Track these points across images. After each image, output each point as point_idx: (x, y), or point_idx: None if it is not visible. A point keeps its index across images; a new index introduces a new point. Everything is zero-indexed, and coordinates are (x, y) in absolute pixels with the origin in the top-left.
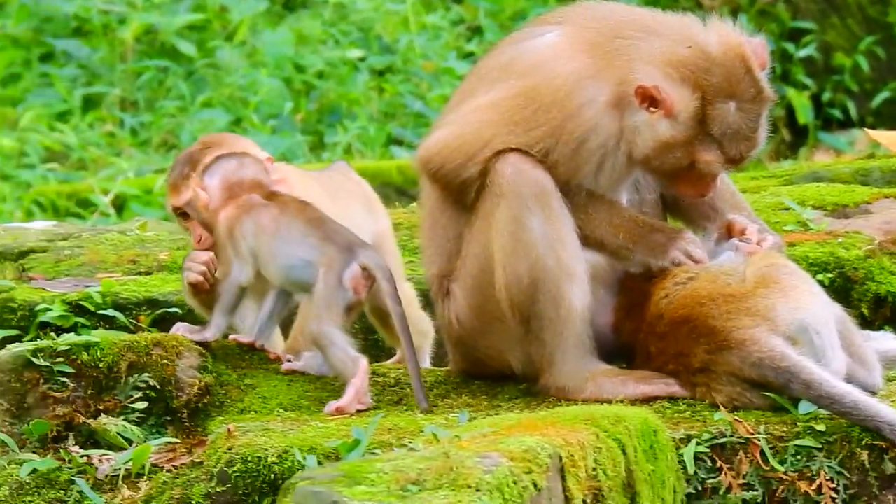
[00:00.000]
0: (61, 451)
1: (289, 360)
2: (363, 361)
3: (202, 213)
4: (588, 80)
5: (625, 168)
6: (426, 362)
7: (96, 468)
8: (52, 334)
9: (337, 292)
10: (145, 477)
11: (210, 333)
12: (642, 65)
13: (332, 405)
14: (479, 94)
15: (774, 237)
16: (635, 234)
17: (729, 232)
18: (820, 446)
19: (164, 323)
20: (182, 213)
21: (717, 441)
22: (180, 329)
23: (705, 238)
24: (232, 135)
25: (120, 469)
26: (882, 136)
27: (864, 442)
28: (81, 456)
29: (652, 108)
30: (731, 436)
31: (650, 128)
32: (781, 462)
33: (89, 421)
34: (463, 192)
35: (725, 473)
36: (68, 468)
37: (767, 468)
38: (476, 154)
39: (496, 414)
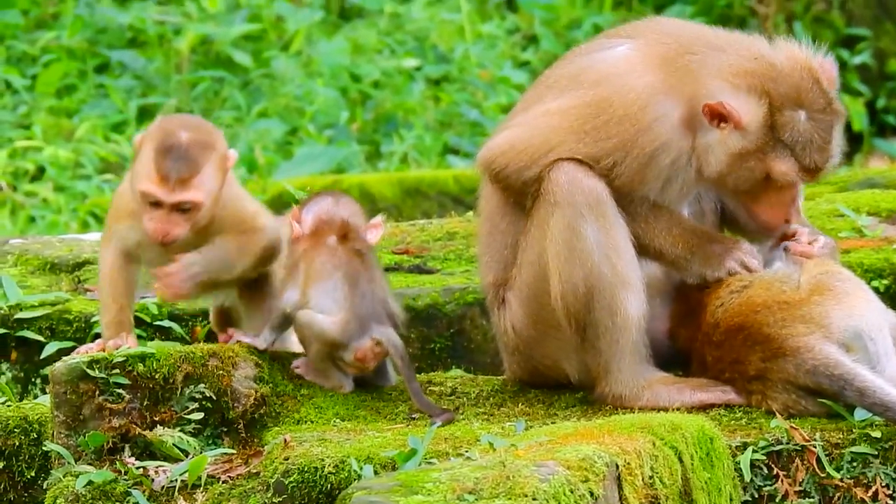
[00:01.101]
0: (117, 462)
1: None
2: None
3: (290, 244)
4: (661, 95)
5: (693, 185)
6: None
7: (152, 480)
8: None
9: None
10: (201, 488)
11: (260, 342)
12: (709, 80)
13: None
14: (547, 101)
15: (826, 238)
16: (693, 244)
17: (782, 238)
18: (876, 453)
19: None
20: (181, 209)
21: (773, 448)
22: (235, 334)
23: (761, 248)
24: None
25: (176, 480)
26: None
27: None
28: (137, 467)
29: (722, 125)
30: (787, 443)
31: (722, 144)
32: (837, 469)
33: (145, 432)
34: (524, 194)
35: (782, 481)
36: (124, 480)
37: (824, 475)
38: (541, 158)
39: (552, 422)
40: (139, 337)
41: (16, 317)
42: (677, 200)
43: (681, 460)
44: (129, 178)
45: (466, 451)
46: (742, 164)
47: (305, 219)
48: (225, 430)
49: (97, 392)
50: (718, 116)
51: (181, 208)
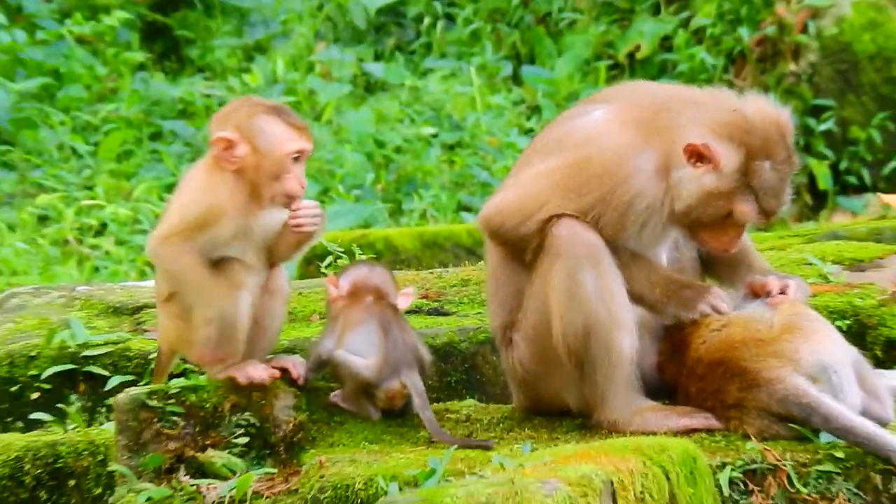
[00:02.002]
0: (173, 481)
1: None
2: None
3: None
4: (635, 150)
5: (665, 226)
6: None
7: (204, 496)
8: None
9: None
10: (248, 503)
11: (301, 379)
12: (690, 127)
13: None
14: (536, 164)
15: (795, 280)
16: (669, 289)
17: (753, 292)
18: (839, 471)
19: None
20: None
21: (748, 467)
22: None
23: (734, 293)
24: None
25: (225, 496)
26: (893, 199)
27: (877, 467)
28: (191, 485)
29: (698, 164)
30: (761, 462)
31: (695, 181)
32: (805, 485)
33: (198, 454)
34: (521, 248)
35: (756, 495)
36: (180, 496)
37: (793, 491)
38: (533, 214)
39: (555, 445)
40: (191, 371)
41: (83, 354)
42: (654, 243)
43: (668, 478)
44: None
45: (480, 471)
46: (711, 201)
47: (343, 284)
48: (267, 452)
49: (155, 419)
50: (697, 156)
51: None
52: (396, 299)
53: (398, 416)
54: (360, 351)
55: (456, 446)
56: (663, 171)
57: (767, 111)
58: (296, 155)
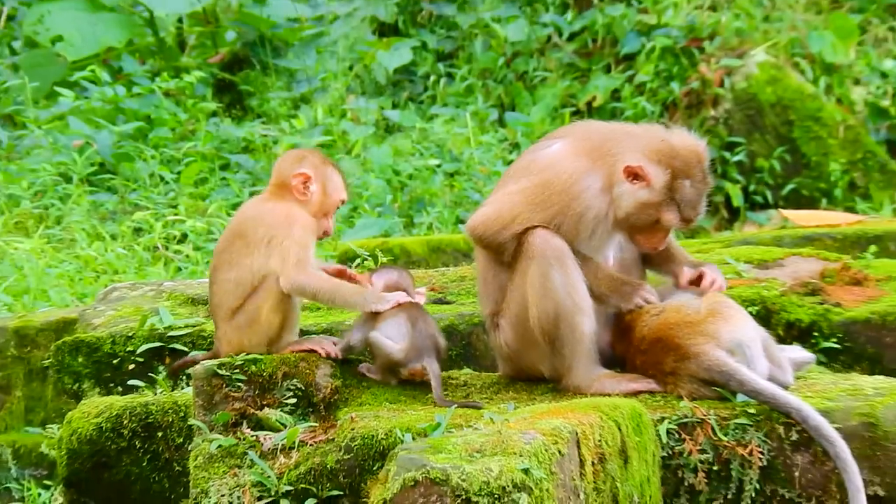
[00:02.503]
0: (238, 432)
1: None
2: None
3: None
4: (585, 173)
5: (611, 231)
6: None
7: (262, 444)
8: (234, 345)
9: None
10: (295, 449)
11: (333, 353)
12: (629, 153)
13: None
14: (509, 185)
15: (710, 267)
16: (612, 285)
17: (689, 283)
18: (751, 423)
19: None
20: None
21: (682, 421)
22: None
23: (665, 285)
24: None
25: (278, 444)
26: (789, 214)
27: (780, 420)
28: (252, 436)
29: (634, 181)
30: (692, 417)
31: (632, 195)
32: (725, 434)
33: (257, 412)
34: (500, 252)
35: (688, 443)
36: (243, 444)
37: (716, 439)
38: (508, 225)
39: (533, 404)
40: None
41: (168, 334)
42: (602, 245)
43: (619, 429)
44: (319, 201)
45: (474, 424)
46: (644, 211)
47: (377, 283)
48: (311, 410)
49: (224, 385)
50: (634, 175)
51: None
52: (415, 297)
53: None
54: (392, 336)
55: (455, 406)
56: (608, 188)
57: (688, 141)
58: (341, 203)
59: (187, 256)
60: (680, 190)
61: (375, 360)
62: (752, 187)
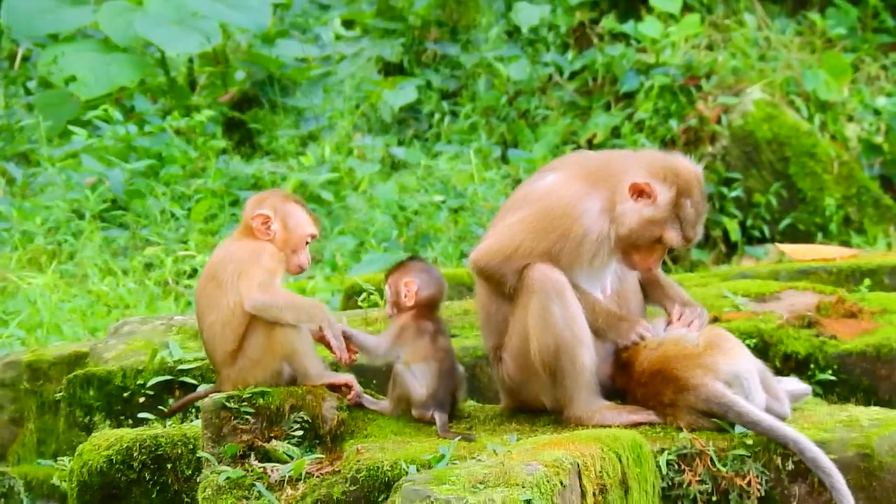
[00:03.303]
0: (246, 464)
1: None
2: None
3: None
4: (584, 196)
5: (611, 254)
6: None
7: (269, 476)
8: (239, 386)
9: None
10: (302, 481)
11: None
12: (633, 171)
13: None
14: (508, 217)
15: (699, 312)
16: (608, 321)
17: (674, 320)
18: (749, 454)
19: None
20: None
21: (681, 452)
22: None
23: (660, 320)
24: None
25: (285, 476)
26: (786, 248)
27: (777, 451)
28: (259, 467)
29: (639, 198)
30: (691, 448)
31: (636, 212)
32: (724, 465)
33: (264, 444)
34: (501, 284)
35: (687, 473)
36: (251, 476)
37: (715, 469)
38: (510, 255)
39: (535, 435)
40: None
41: (178, 368)
42: (602, 270)
43: (620, 460)
44: (283, 238)
45: (478, 456)
46: (647, 227)
47: (420, 293)
48: (317, 442)
49: (232, 417)
50: (640, 192)
51: None
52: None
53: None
54: (417, 377)
55: (458, 439)
56: (607, 210)
57: (688, 164)
58: (309, 238)
59: None
60: (683, 208)
61: (394, 388)
62: (749, 222)
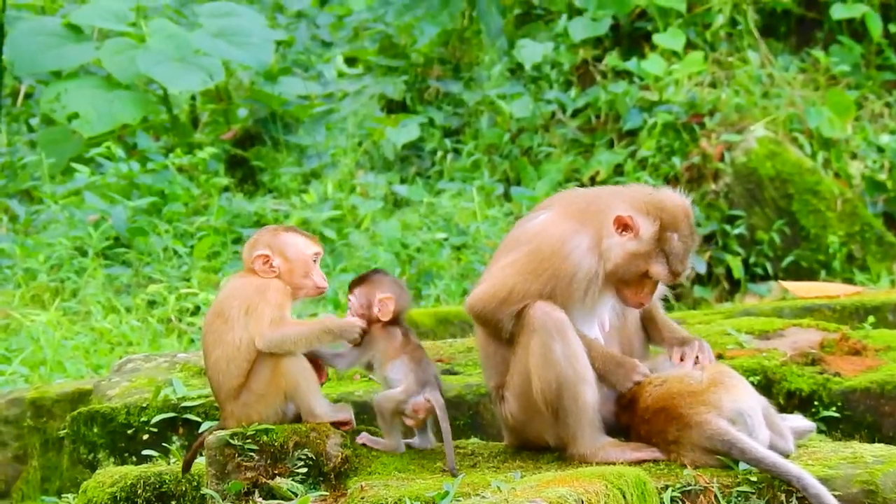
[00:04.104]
0: (250, 501)
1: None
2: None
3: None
4: (573, 234)
5: (602, 290)
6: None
7: None
8: (243, 422)
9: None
10: None
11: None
12: (618, 206)
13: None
14: (501, 260)
15: (694, 344)
16: (606, 367)
17: (675, 361)
18: (754, 491)
19: None
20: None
21: (685, 488)
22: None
23: (663, 359)
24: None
25: None
26: (789, 285)
27: (781, 488)
28: None
29: (624, 233)
30: (695, 485)
31: (621, 246)
32: (728, 502)
33: (269, 481)
34: (498, 328)
35: None
36: None
37: None
38: (505, 300)
39: (539, 472)
40: None
41: (182, 405)
42: (595, 306)
43: (624, 497)
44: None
45: (482, 492)
46: (632, 261)
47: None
48: (321, 479)
49: (236, 454)
50: (624, 226)
51: None
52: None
53: (419, 450)
54: (396, 380)
55: (464, 475)
56: (596, 246)
57: (675, 198)
58: (315, 257)
59: (200, 329)
60: (668, 242)
61: (381, 418)
62: (752, 259)
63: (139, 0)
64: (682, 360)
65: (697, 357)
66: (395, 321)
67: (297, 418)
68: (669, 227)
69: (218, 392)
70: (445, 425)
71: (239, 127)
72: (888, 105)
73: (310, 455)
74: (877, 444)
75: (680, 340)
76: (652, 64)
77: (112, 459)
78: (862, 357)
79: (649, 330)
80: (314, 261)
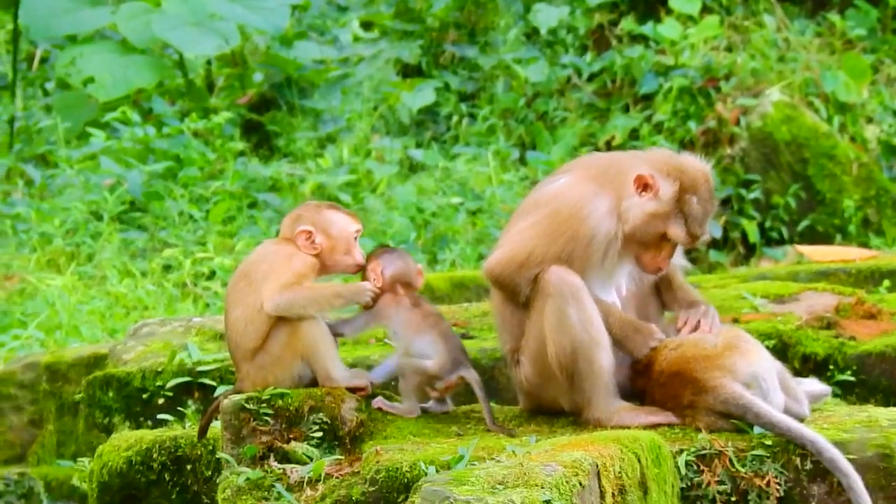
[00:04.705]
0: (265, 465)
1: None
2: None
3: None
4: (592, 196)
5: (621, 253)
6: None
7: (289, 477)
8: (258, 384)
9: (430, 376)
10: (322, 482)
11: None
12: (639, 166)
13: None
14: (519, 223)
15: (699, 309)
16: (622, 332)
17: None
18: (768, 455)
19: None
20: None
21: (700, 452)
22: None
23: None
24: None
25: (305, 477)
26: (805, 249)
27: (796, 451)
28: (279, 469)
29: (643, 192)
30: (710, 449)
31: (640, 206)
32: (743, 466)
33: (284, 445)
34: (515, 292)
35: (706, 474)
36: (270, 477)
37: (734, 470)
38: (523, 263)
39: (554, 437)
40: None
41: (197, 369)
42: (614, 271)
43: (639, 461)
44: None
45: (497, 457)
46: (651, 222)
47: (386, 274)
48: (336, 443)
49: (252, 419)
50: (644, 185)
51: None
52: (418, 284)
53: (435, 413)
54: (425, 354)
55: (479, 439)
56: (615, 209)
57: (696, 162)
58: (356, 234)
59: (216, 293)
60: (688, 204)
61: (405, 382)
62: (767, 224)
63: None
64: (685, 324)
65: (699, 322)
66: (404, 292)
67: (312, 383)
68: (689, 189)
69: (235, 353)
70: (482, 395)
71: (254, 91)
72: None
73: (325, 419)
74: (892, 408)
75: (688, 304)
76: (668, 28)
77: (127, 424)
78: (877, 321)
79: (664, 294)
80: (355, 238)
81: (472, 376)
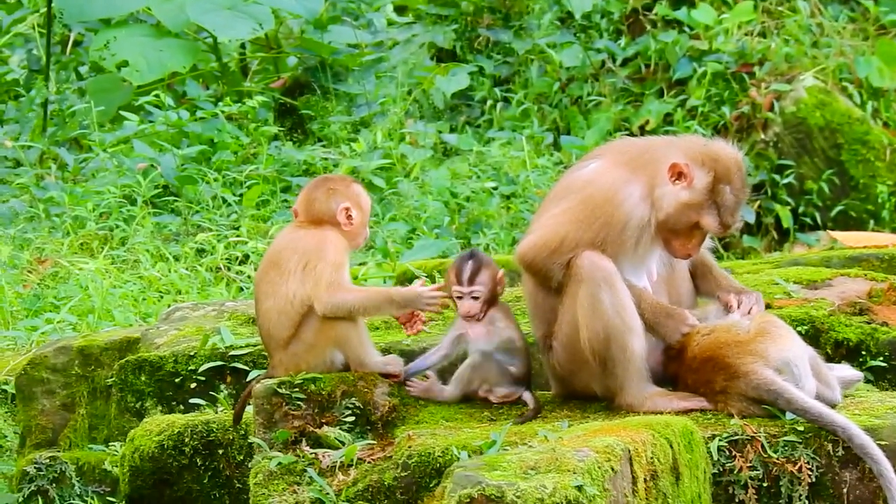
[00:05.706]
0: (297, 450)
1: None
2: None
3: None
4: (625, 182)
5: (653, 241)
6: None
7: (321, 461)
8: (291, 371)
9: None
10: (353, 467)
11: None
12: (673, 154)
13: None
14: (551, 209)
15: (755, 299)
16: (654, 318)
17: (726, 307)
18: (800, 440)
19: None
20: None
21: (732, 438)
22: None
23: (710, 310)
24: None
25: (337, 461)
26: (838, 235)
27: (828, 438)
28: (311, 453)
29: (677, 181)
30: (742, 435)
31: (674, 195)
32: (775, 451)
33: (316, 430)
34: (548, 277)
35: (738, 460)
36: (302, 462)
37: (766, 456)
38: (556, 249)
39: (586, 422)
40: None
41: (230, 354)
42: (646, 256)
43: (671, 446)
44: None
45: (529, 442)
46: (684, 211)
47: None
48: (369, 428)
49: (284, 403)
50: (678, 174)
51: None
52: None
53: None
54: (507, 360)
55: (511, 423)
56: (648, 195)
57: (729, 150)
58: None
59: (249, 277)
60: (721, 194)
61: (471, 371)
62: (801, 209)
63: None
64: (738, 306)
65: (751, 308)
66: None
67: (345, 368)
68: (723, 178)
69: (267, 341)
70: (530, 417)
71: (288, 75)
72: None
73: (357, 404)
74: None
75: (738, 290)
76: (702, 13)
77: (159, 408)
78: None
79: (701, 280)
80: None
81: (530, 399)
